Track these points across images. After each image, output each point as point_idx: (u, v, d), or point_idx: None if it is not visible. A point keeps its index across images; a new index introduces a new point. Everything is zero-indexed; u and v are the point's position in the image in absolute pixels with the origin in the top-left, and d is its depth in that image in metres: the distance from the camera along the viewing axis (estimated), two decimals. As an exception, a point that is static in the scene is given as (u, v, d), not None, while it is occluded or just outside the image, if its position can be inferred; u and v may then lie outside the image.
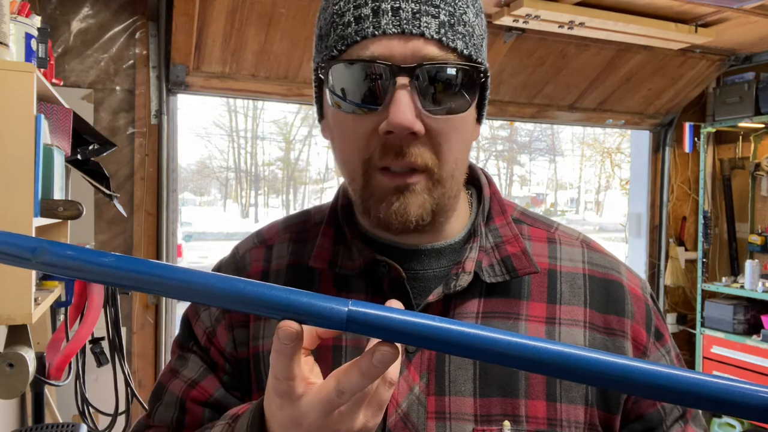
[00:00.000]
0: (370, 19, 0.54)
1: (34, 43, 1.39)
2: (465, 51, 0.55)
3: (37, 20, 1.43)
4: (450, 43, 0.54)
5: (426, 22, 0.53)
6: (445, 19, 0.54)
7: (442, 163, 0.57)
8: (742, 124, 3.35)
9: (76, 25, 2.31)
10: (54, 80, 1.73)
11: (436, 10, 0.54)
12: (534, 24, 2.57)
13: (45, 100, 1.52)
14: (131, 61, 2.40)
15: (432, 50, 0.54)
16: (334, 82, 0.56)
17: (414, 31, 0.53)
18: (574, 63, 3.03)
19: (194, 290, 0.41)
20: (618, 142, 17.44)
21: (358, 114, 0.56)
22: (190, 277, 0.41)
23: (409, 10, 0.53)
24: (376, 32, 0.53)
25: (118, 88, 2.38)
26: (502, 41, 2.75)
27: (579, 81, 3.18)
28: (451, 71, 0.54)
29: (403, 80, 0.53)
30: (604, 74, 3.17)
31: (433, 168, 0.56)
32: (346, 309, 0.40)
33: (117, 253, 0.43)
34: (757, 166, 3.48)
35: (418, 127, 0.54)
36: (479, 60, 0.57)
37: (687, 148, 3.59)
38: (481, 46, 0.59)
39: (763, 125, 3.35)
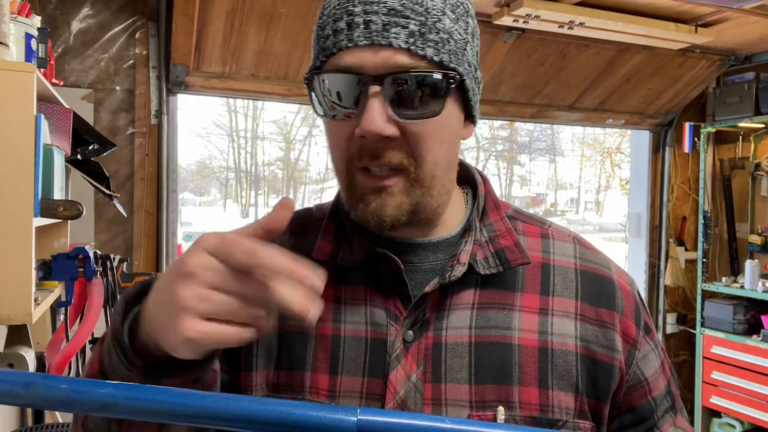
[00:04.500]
0: (345, 32, 0.58)
1: (34, 43, 1.39)
2: (436, 57, 0.58)
3: (37, 20, 1.43)
4: (419, 51, 0.57)
5: (395, 32, 0.57)
6: (415, 29, 0.57)
7: (420, 164, 0.60)
8: (742, 124, 3.35)
9: (76, 25, 2.31)
10: (54, 80, 1.73)
11: (406, 21, 0.57)
12: (534, 24, 2.57)
13: (45, 100, 1.52)
14: (131, 61, 2.40)
15: (401, 59, 0.57)
16: (315, 90, 0.60)
17: (383, 42, 0.57)
18: (574, 63, 3.03)
19: (198, 414, 0.42)
20: (618, 142, 17.38)
21: (338, 120, 0.60)
22: (192, 400, 0.42)
23: (380, 22, 0.57)
24: (349, 44, 0.57)
25: (118, 88, 2.38)
26: (502, 41, 2.75)
27: (579, 81, 3.18)
28: (419, 78, 0.57)
29: (374, 88, 0.57)
30: (604, 74, 3.17)
31: (409, 167, 0.60)
32: (356, 419, 0.41)
33: (115, 381, 0.43)
34: (757, 166, 3.48)
35: (390, 131, 0.58)
36: (453, 65, 0.59)
37: (687, 148, 3.59)
38: (463, 49, 0.61)
39: (763, 125, 3.35)
